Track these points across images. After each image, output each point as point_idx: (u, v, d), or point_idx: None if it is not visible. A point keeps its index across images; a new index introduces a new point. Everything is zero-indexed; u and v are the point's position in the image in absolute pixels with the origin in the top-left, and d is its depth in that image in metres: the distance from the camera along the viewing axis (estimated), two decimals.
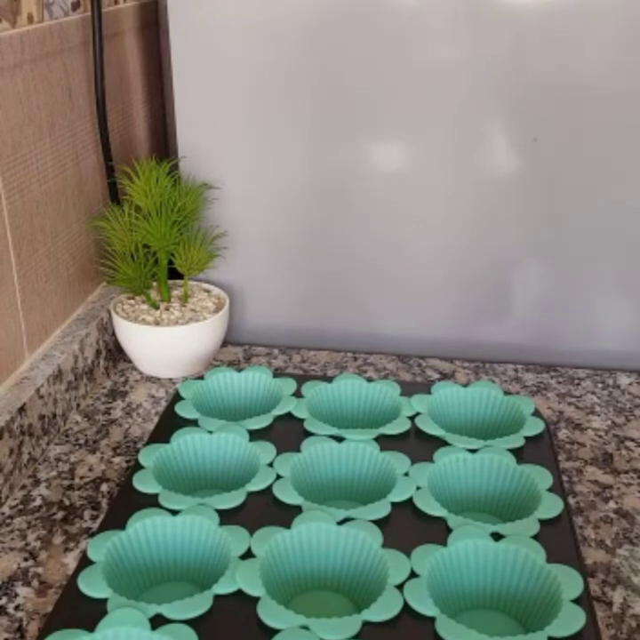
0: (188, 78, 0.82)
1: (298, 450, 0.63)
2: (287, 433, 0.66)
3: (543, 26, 0.75)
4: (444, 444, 0.65)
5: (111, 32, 0.86)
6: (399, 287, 0.88)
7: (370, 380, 0.72)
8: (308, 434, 0.65)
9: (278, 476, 0.60)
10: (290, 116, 0.82)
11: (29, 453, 0.68)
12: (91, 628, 0.47)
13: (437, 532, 0.55)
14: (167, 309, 0.83)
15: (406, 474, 0.61)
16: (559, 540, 0.55)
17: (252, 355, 0.89)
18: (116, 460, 0.71)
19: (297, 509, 0.57)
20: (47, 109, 0.73)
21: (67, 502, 0.65)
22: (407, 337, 0.90)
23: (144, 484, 0.60)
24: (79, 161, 0.80)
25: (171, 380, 0.83)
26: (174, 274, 0.87)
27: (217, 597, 0.50)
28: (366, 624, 0.48)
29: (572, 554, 0.54)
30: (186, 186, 0.81)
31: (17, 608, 0.55)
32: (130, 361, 0.86)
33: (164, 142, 1.04)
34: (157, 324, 0.81)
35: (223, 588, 0.50)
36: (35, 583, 0.57)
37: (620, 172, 0.80)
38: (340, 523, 0.55)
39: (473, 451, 0.63)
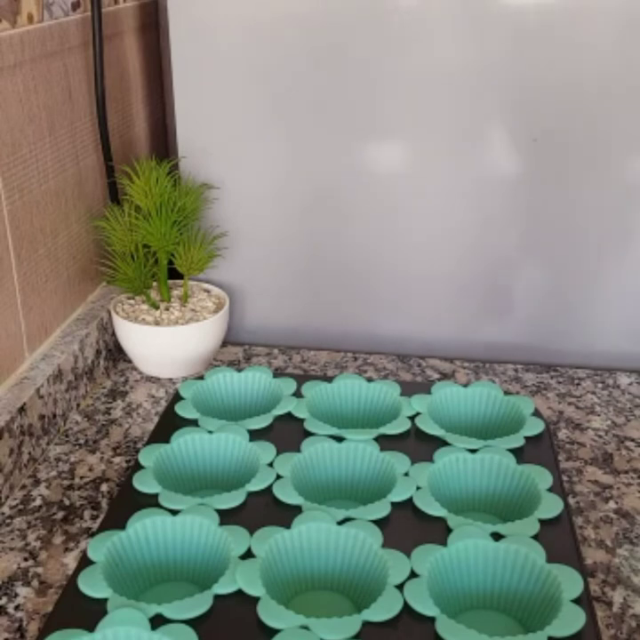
0: (188, 78, 0.82)
1: (298, 450, 0.63)
2: (287, 433, 0.66)
3: (543, 26, 0.75)
4: (444, 443, 0.65)
5: (111, 32, 0.86)
6: (399, 287, 0.88)
7: (370, 380, 0.72)
8: (307, 434, 0.65)
9: (278, 476, 0.60)
10: (290, 116, 0.82)
11: (29, 453, 0.68)
12: (91, 628, 0.47)
13: (437, 532, 0.55)
14: (167, 309, 0.83)
15: (406, 474, 0.61)
16: (559, 539, 0.55)
17: (252, 355, 0.89)
18: (116, 459, 0.71)
19: (297, 509, 0.57)
20: (47, 109, 0.73)
21: (67, 502, 0.65)
22: (407, 337, 0.90)
23: (144, 484, 0.60)
24: (79, 161, 0.80)
25: (171, 380, 0.83)
26: (174, 274, 0.87)
27: (217, 597, 0.50)
28: (366, 624, 0.48)
29: (572, 554, 0.54)
30: (186, 186, 0.81)
31: (17, 608, 0.55)
32: (130, 361, 0.86)
33: (164, 142, 1.04)
34: (157, 324, 0.81)
35: (223, 587, 0.50)
36: (35, 583, 0.57)
37: (621, 172, 0.80)
38: (340, 523, 0.55)
39: (473, 451, 0.63)
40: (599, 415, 0.78)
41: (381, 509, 0.57)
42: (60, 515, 0.64)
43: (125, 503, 0.58)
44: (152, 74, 1.00)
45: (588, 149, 0.79)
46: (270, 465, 0.62)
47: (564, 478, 0.68)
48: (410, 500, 0.58)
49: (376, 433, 0.65)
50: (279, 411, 0.68)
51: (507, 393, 0.71)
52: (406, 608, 0.49)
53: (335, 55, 0.79)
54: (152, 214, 0.79)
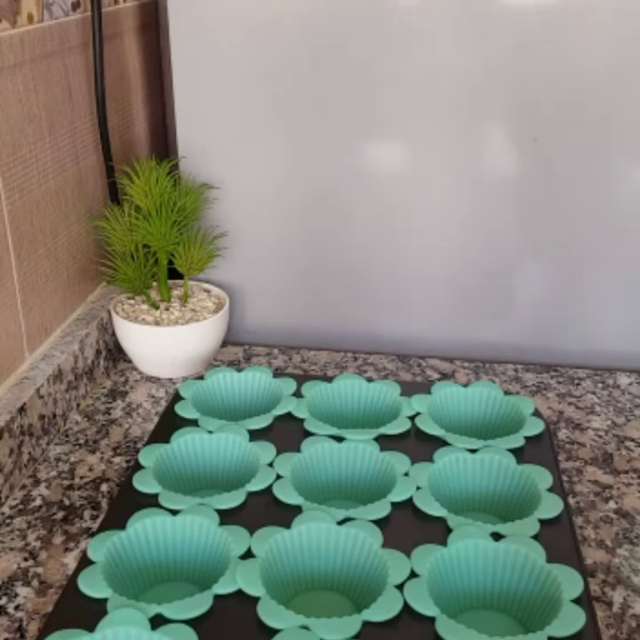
0: (188, 78, 0.82)
1: (298, 450, 0.63)
2: (287, 433, 0.66)
3: (543, 26, 0.75)
4: (444, 443, 0.65)
5: (111, 32, 0.86)
6: (399, 287, 0.88)
7: (370, 380, 0.72)
8: (308, 434, 0.65)
9: (278, 476, 0.60)
10: (290, 116, 0.82)
11: (29, 453, 0.68)
12: (91, 628, 0.47)
13: (437, 532, 0.55)
14: (167, 309, 0.83)
15: (406, 474, 0.61)
16: (559, 539, 0.55)
17: (252, 355, 0.89)
18: (116, 459, 0.71)
19: (297, 509, 0.57)
20: (47, 109, 0.73)
21: (67, 502, 0.65)
22: (407, 337, 0.90)
23: (144, 484, 0.60)
24: (79, 161, 0.80)
25: (171, 380, 0.83)
26: (174, 274, 0.87)
27: (217, 597, 0.50)
28: (366, 624, 0.48)
29: (572, 554, 0.54)
30: (186, 186, 0.81)
31: (17, 608, 0.55)
32: (130, 361, 0.86)
33: (164, 142, 1.04)
34: (157, 324, 0.81)
35: (223, 587, 0.50)
36: (35, 583, 0.57)
37: (621, 172, 0.80)
38: (340, 523, 0.55)
39: (473, 451, 0.63)
40: (599, 415, 0.78)
41: (381, 509, 0.57)
42: (60, 515, 0.64)
43: (125, 503, 0.58)
44: (152, 74, 1.00)
45: (588, 150, 0.79)
46: (270, 465, 0.62)
47: (564, 478, 0.68)
48: (410, 500, 0.58)
49: (376, 433, 0.65)
50: (279, 411, 0.68)
51: (507, 393, 0.71)
52: (406, 608, 0.49)
53: (335, 55, 0.79)
54: (152, 214, 0.79)
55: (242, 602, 0.50)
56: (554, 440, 0.72)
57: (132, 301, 0.85)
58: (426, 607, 0.49)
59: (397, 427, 0.66)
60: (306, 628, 0.47)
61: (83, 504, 0.65)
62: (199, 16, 0.79)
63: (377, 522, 0.56)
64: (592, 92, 0.77)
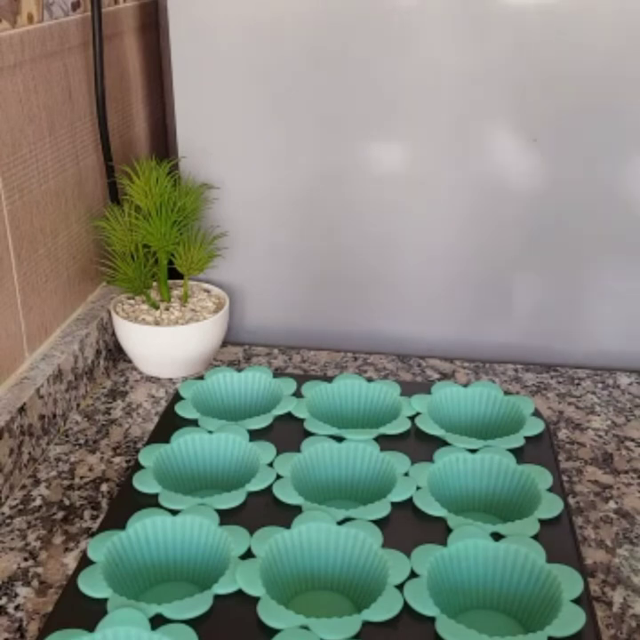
0: (188, 78, 0.82)
1: (298, 450, 0.63)
2: (287, 433, 0.66)
3: (543, 26, 0.75)
4: (444, 443, 0.65)
5: (111, 32, 0.86)
6: (399, 287, 0.88)
7: (370, 380, 0.72)
8: (308, 434, 0.65)
9: (278, 476, 0.60)
10: (290, 116, 0.82)
11: (29, 453, 0.68)
12: (91, 628, 0.47)
13: (437, 532, 0.55)
14: (167, 309, 0.83)
15: (406, 474, 0.61)
16: (559, 539, 0.55)
17: (252, 355, 0.89)
18: (116, 459, 0.71)
19: (297, 509, 0.57)
20: (47, 109, 0.73)
21: (67, 502, 0.65)
22: (407, 337, 0.90)
23: (144, 484, 0.60)
24: (79, 161, 0.80)
25: (171, 380, 0.83)
26: (174, 274, 0.87)
27: (217, 597, 0.50)
28: (366, 624, 0.48)
29: (572, 554, 0.54)
30: (186, 186, 0.81)
31: (17, 608, 0.55)
32: (130, 361, 0.86)
33: (164, 142, 1.04)
34: (157, 323, 0.81)
35: (223, 587, 0.50)
36: (35, 583, 0.57)
37: (621, 172, 0.80)
38: (340, 523, 0.55)
39: (473, 451, 0.63)
40: (599, 415, 0.78)
41: (381, 509, 0.57)
42: (60, 515, 0.64)
43: (125, 503, 0.58)
44: (152, 74, 1.00)
45: (589, 150, 0.79)
46: (270, 465, 0.62)
47: (564, 478, 0.68)
48: (410, 500, 0.58)
49: (376, 433, 0.65)
50: (279, 411, 0.68)
51: (507, 393, 0.71)
52: (406, 608, 0.49)
53: (335, 55, 0.79)
54: (152, 214, 0.79)
55: (242, 602, 0.50)
56: (554, 440, 0.72)
57: (131, 301, 0.85)
58: (426, 607, 0.49)
59: (397, 427, 0.66)
60: (306, 628, 0.47)
61: (83, 504, 0.65)
62: (199, 16, 0.79)
63: (377, 522, 0.56)
64: (592, 92, 0.77)
